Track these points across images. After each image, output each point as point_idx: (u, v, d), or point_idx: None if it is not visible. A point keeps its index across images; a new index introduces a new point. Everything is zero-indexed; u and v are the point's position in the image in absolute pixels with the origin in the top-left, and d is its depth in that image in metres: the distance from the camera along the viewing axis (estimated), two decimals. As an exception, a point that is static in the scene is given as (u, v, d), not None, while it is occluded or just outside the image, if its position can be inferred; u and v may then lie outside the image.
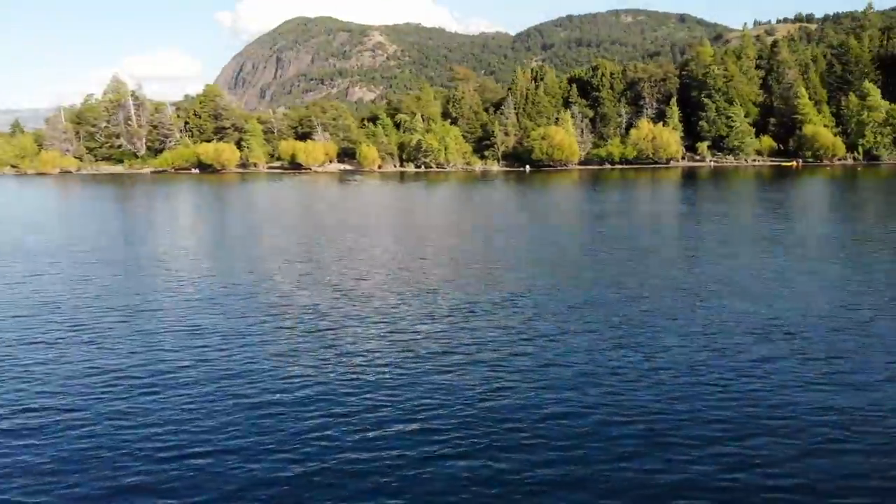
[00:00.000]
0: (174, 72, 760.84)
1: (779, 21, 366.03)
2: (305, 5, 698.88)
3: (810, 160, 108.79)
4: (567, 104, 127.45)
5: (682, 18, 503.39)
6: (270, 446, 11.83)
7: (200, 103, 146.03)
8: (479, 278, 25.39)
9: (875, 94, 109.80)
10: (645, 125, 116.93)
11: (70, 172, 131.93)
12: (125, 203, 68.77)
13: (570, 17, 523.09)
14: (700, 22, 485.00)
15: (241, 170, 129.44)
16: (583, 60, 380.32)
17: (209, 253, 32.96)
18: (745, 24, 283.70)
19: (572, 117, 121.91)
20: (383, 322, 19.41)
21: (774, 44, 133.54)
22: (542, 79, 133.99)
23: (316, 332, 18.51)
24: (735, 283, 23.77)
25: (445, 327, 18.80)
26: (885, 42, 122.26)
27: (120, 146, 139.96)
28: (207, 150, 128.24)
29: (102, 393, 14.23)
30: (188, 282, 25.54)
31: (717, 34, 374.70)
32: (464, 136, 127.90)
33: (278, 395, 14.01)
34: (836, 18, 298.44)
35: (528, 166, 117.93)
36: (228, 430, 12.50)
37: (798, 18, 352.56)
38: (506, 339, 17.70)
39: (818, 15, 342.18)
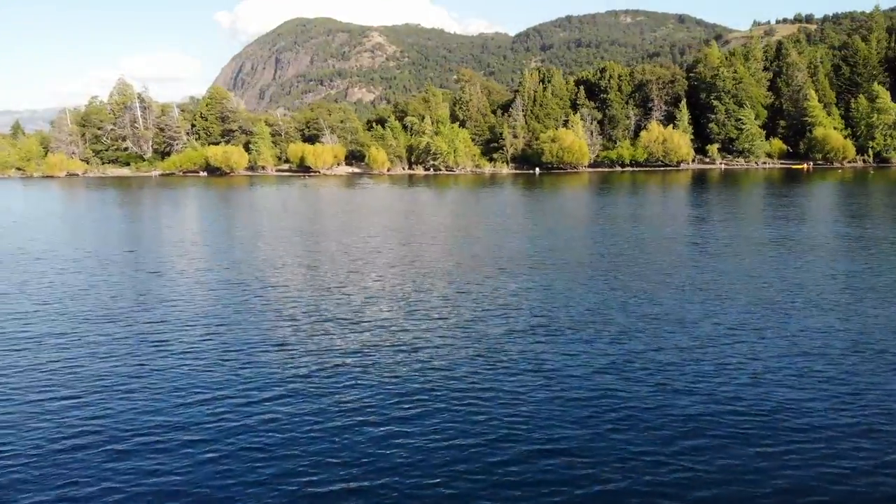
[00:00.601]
0: (173, 72, 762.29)
1: (778, 21, 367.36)
2: (304, 6, 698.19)
3: (821, 163, 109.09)
4: (575, 106, 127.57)
5: (682, 19, 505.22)
6: (401, 465, 11.75)
7: (207, 105, 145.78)
8: (543, 288, 25.34)
9: (884, 96, 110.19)
10: (655, 127, 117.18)
11: (77, 175, 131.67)
12: (145, 207, 68.56)
13: (569, 18, 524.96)
14: (699, 22, 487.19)
15: (249, 172, 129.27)
16: (582, 61, 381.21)
17: (263, 262, 32.73)
18: (752, 24, 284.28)
19: (581, 119, 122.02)
20: (462, 335, 19.34)
21: (781, 45, 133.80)
22: (549, 80, 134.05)
23: (403, 345, 18.39)
24: (803, 290, 23.77)
25: (527, 340, 18.72)
26: (892, 43, 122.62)
27: (126, 149, 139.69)
28: (216, 153, 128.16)
29: (214, 411, 14.11)
30: (252, 294, 25.40)
31: (717, 34, 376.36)
32: (472, 139, 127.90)
33: (392, 414, 13.91)
34: (836, 19, 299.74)
35: (538, 168, 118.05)
36: (355, 447, 12.41)
37: (798, 19, 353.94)
38: (591, 349, 17.63)
39: (818, 15, 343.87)
